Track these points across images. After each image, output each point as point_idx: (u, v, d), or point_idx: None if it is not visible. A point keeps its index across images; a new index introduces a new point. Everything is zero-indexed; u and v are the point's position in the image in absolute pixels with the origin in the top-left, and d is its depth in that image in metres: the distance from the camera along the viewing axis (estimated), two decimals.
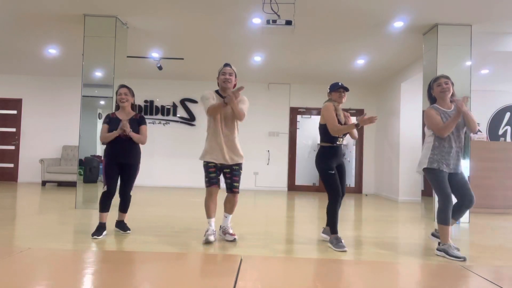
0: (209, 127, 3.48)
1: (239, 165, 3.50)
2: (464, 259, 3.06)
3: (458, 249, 3.22)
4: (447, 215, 3.16)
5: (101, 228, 3.59)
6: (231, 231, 3.60)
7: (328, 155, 3.49)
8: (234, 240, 3.53)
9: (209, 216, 3.48)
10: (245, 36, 6.08)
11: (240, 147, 3.53)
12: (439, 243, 3.28)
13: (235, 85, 3.54)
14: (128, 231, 3.78)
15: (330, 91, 3.58)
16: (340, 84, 3.51)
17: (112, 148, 3.62)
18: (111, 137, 3.55)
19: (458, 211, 3.35)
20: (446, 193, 3.18)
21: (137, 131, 3.67)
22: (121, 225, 3.82)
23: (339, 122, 3.47)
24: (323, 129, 3.53)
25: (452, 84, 3.35)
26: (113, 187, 3.62)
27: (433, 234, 3.56)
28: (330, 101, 3.56)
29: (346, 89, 3.51)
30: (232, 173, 3.48)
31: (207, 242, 3.39)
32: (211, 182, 3.42)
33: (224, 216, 3.66)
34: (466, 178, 3.38)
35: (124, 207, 3.79)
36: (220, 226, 3.70)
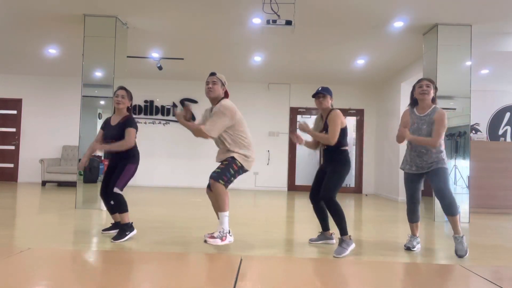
0: None
1: (225, 159, 3.29)
2: (407, 248, 3.42)
3: (413, 246, 3.44)
4: (407, 213, 3.52)
5: (112, 226, 3.77)
6: (213, 237, 3.13)
7: None
8: (206, 242, 3.17)
9: None
10: (245, 36, 6.08)
11: (232, 150, 3.28)
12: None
13: (226, 93, 3.38)
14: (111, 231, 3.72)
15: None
16: (319, 89, 3.35)
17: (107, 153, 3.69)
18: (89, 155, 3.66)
19: (442, 207, 3.30)
20: (407, 193, 3.50)
21: (122, 135, 3.51)
22: (119, 231, 3.54)
23: (320, 131, 3.45)
24: None
25: (436, 89, 3.39)
26: (104, 191, 3.61)
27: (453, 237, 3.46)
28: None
29: (323, 92, 3.33)
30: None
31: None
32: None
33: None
34: (441, 173, 3.27)
35: (115, 206, 3.56)
36: None
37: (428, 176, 3.37)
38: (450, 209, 3.25)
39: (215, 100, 3.37)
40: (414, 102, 3.48)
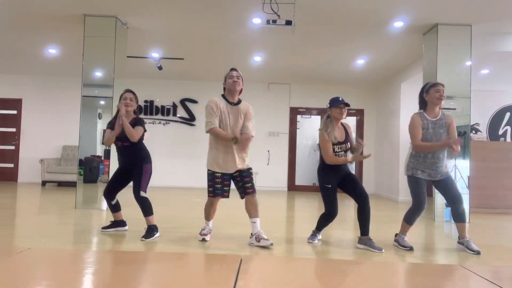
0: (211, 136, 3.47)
1: (248, 169, 3.50)
2: (411, 248, 3.36)
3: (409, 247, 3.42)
4: (412, 217, 3.41)
5: (112, 224, 3.82)
6: (265, 236, 3.37)
7: (327, 171, 3.47)
8: (271, 245, 3.32)
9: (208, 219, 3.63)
10: (245, 36, 6.08)
11: (246, 156, 3.53)
12: (396, 234, 3.60)
13: (241, 90, 3.52)
14: (126, 227, 3.85)
15: (330, 106, 3.43)
16: (340, 99, 3.39)
17: (118, 156, 3.67)
18: (113, 138, 3.53)
19: (455, 214, 3.40)
20: (419, 200, 3.35)
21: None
22: (147, 230, 3.61)
23: (338, 143, 3.41)
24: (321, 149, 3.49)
25: None
26: (110, 191, 3.69)
27: (459, 242, 3.50)
28: (327, 120, 3.46)
29: (347, 105, 3.40)
30: (242, 175, 3.43)
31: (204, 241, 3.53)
32: (216, 193, 3.42)
33: (253, 222, 3.41)
34: (453, 180, 3.42)
35: (142, 210, 3.63)
36: (251, 233, 3.47)
37: (440, 184, 3.38)
38: (464, 215, 3.37)
39: (236, 94, 3.47)
40: (423, 104, 3.42)
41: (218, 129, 3.35)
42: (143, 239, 3.47)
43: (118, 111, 3.60)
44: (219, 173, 3.41)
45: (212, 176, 3.43)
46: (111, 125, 3.62)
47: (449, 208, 5.17)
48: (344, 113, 3.40)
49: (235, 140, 3.30)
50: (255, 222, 3.39)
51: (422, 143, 3.29)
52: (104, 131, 3.72)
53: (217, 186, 3.42)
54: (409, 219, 3.43)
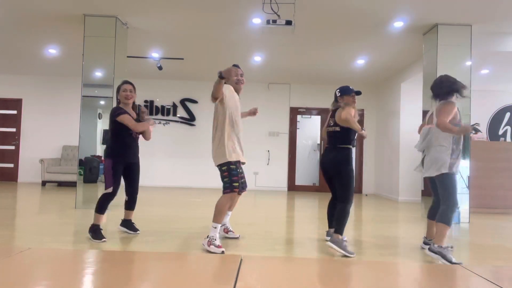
0: (226, 123, 3.22)
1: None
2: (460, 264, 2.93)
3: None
4: (452, 217, 3.08)
5: (100, 230, 3.46)
6: (232, 229, 3.78)
7: (350, 157, 3.36)
8: (238, 237, 3.69)
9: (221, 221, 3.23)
10: (245, 36, 6.08)
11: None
12: (432, 244, 3.10)
13: None
14: (138, 232, 3.76)
15: (341, 94, 3.47)
16: (351, 88, 3.52)
17: (123, 148, 3.53)
18: (146, 127, 3.59)
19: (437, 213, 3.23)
20: (456, 199, 3.13)
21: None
22: (129, 225, 3.75)
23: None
24: (345, 132, 3.35)
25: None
26: (118, 188, 3.61)
27: (425, 243, 3.45)
28: (347, 105, 3.39)
29: (358, 93, 3.50)
30: (243, 172, 3.50)
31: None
32: (234, 186, 3.17)
33: (227, 215, 3.78)
34: None
35: (133, 205, 3.75)
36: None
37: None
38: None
39: (239, 92, 3.52)
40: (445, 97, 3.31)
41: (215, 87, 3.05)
42: (139, 231, 3.76)
43: (118, 101, 3.60)
44: (242, 162, 3.29)
45: (235, 166, 3.18)
46: (125, 112, 3.47)
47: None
48: (355, 101, 3.52)
49: (220, 73, 2.94)
50: (228, 215, 3.77)
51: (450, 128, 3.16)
52: (115, 121, 3.44)
53: (239, 178, 3.22)
54: (450, 219, 3.07)
